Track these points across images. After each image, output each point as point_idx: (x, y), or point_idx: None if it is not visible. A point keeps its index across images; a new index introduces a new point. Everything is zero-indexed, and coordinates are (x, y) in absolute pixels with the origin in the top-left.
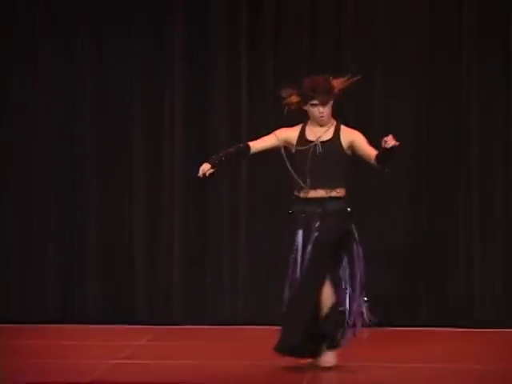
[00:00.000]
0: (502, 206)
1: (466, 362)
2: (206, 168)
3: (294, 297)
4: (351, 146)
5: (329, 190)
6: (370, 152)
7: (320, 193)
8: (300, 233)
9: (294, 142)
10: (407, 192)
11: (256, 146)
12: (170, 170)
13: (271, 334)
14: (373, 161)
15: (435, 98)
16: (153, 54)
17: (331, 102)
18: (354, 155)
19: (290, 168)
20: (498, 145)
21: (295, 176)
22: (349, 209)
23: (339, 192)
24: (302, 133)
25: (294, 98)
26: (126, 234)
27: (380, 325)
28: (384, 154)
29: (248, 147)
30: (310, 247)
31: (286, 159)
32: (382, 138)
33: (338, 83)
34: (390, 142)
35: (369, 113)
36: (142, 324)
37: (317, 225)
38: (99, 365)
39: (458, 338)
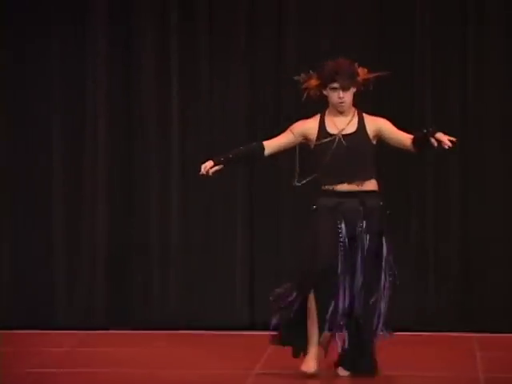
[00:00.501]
0: (459, 207)
1: (423, 369)
2: (208, 165)
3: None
4: (378, 135)
5: (361, 184)
6: (403, 137)
7: (354, 187)
8: (343, 226)
9: (314, 135)
10: None
11: (271, 144)
12: (92, 174)
13: (204, 339)
14: (409, 146)
15: (389, 97)
16: (73, 54)
17: (353, 89)
18: (382, 143)
19: (297, 166)
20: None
21: (296, 172)
22: (381, 203)
23: (374, 185)
24: (322, 124)
25: (314, 81)
26: (44, 234)
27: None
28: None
29: (262, 146)
30: (359, 257)
31: (297, 155)
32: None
33: (363, 72)
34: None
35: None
36: (64, 329)
37: (363, 225)
38: (14, 374)
39: (411, 342)
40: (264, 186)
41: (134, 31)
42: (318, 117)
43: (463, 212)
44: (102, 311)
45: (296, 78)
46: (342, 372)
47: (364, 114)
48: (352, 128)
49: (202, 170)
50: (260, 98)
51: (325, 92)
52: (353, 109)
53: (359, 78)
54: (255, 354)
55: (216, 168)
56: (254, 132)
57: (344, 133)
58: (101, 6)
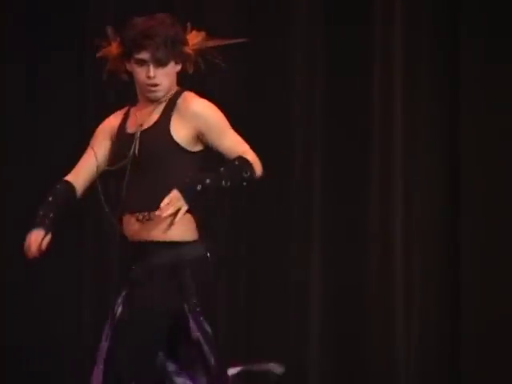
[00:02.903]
0: None
1: None
2: (38, 237)
3: None
4: (200, 138)
5: (161, 225)
6: (231, 151)
7: (152, 234)
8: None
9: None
10: None
11: (77, 178)
12: None
13: None
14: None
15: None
16: None
17: (175, 66)
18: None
19: (101, 195)
20: None
21: (105, 207)
22: (208, 254)
23: (188, 227)
24: (124, 122)
25: (114, 49)
26: None
27: None
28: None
29: (71, 187)
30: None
31: (98, 183)
32: None
33: (197, 38)
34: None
35: None
36: None
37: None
38: None
39: None
40: None
41: None
42: (125, 110)
43: None
44: None
45: (97, 42)
46: None
47: (185, 95)
48: (153, 118)
49: (32, 249)
50: None
51: (129, 67)
52: (175, 91)
53: (187, 48)
54: None
55: (47, 239)
56: None
57: (143, 129)
58: None
